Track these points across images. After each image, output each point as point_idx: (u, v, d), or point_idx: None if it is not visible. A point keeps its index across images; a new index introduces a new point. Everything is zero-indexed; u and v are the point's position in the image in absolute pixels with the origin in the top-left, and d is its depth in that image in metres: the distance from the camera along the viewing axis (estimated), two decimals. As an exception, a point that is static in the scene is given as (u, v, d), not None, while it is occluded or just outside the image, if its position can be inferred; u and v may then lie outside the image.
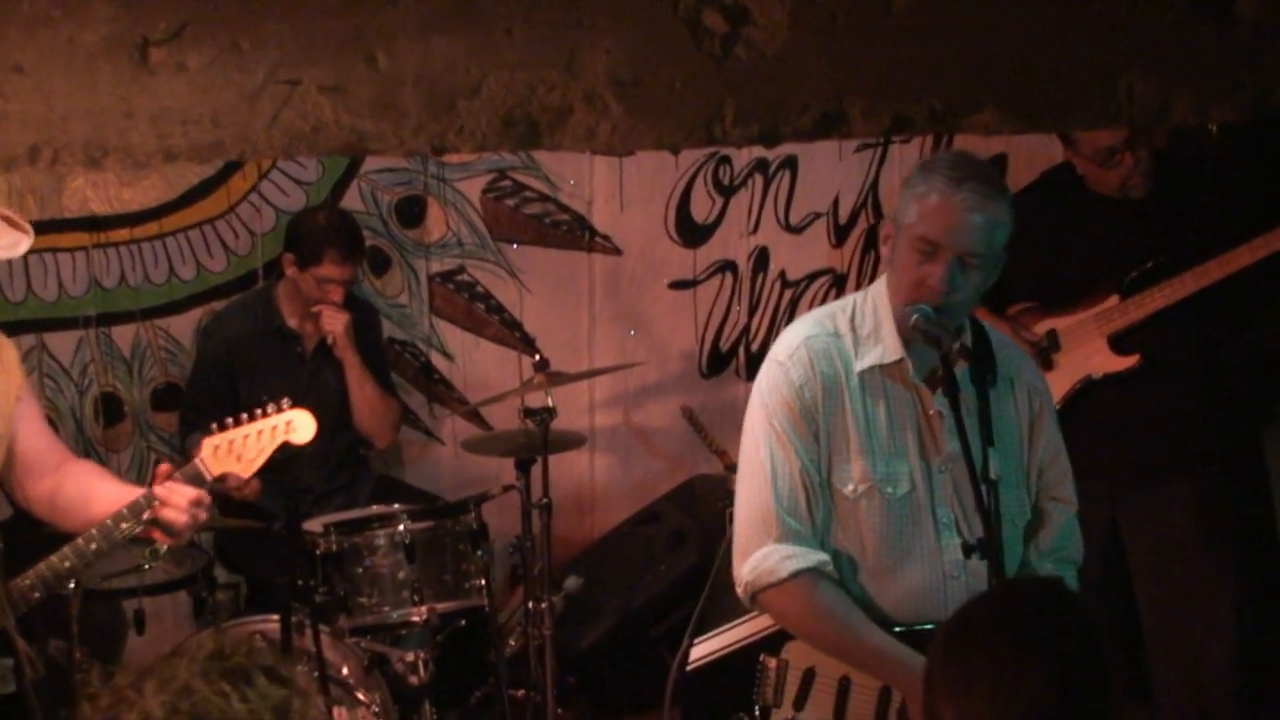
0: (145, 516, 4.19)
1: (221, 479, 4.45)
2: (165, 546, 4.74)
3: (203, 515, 4.28)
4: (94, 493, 4.30)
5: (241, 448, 4.45)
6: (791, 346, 3.85)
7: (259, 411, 4.53)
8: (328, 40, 2.39)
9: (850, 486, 3.78)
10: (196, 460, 4.38)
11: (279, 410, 4.54)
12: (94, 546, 4.20)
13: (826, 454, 3.79)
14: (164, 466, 4.35)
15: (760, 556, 3.78)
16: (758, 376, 3.91)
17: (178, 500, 4.20)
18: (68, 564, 4.21)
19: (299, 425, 4.55)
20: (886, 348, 3.79)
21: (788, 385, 3.80)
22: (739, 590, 3.86)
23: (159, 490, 4.21)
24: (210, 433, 4.48)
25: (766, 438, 3.81)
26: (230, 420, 4.51)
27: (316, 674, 4.99)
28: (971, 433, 3.69)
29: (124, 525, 4.19)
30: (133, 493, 4.24)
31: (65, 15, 2.30)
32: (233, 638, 2.33)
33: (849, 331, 3.85)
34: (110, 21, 2.32)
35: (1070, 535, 4.02)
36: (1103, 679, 2.61)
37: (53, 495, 4.33)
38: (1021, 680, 2.55)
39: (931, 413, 3.81)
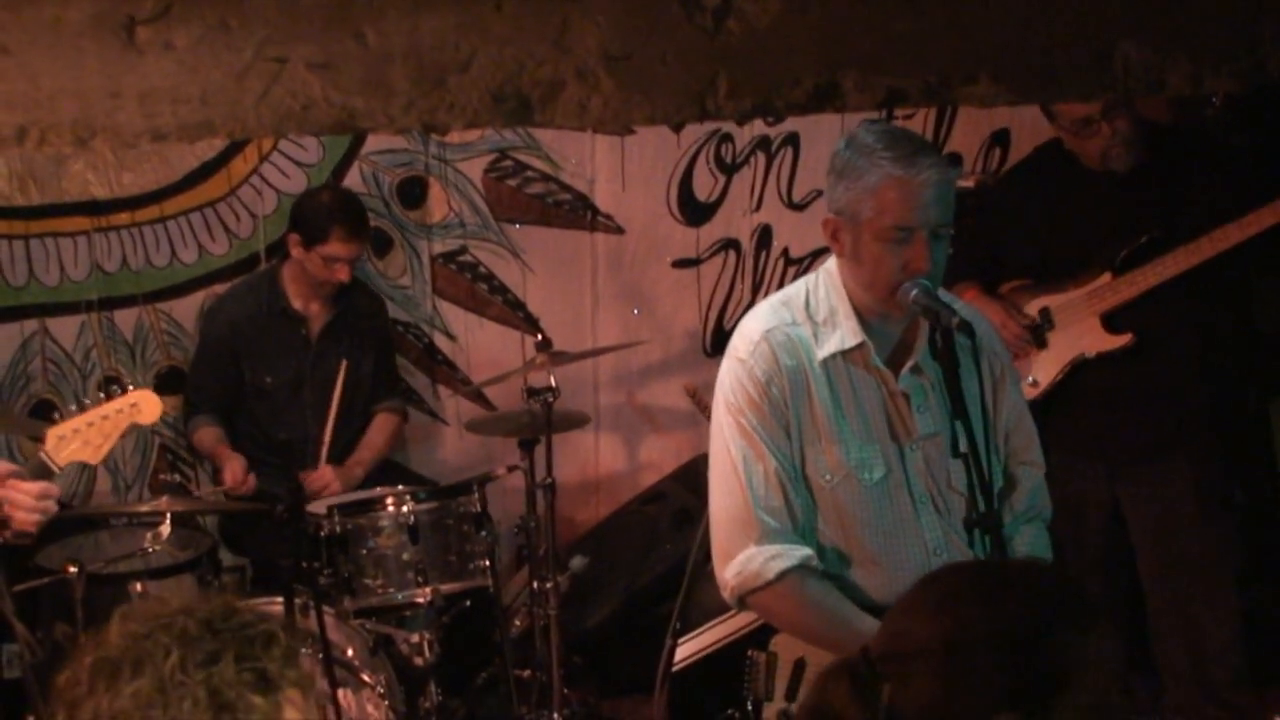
0: None
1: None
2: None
3: (52, 507, 4.32)
4: None
5: (87, 435, 4.50)
6: (752, 341, 3.77)
7: (102, 396, 4.60)
8: (315, 17, 2.37)
9: (826, 476, 3.73)
10: (41, 453, 4.42)
11: (123, 393, 4.60)
12: None
13: (799, 447, 3.74)
14: (3, 466, 4.37)
15: (744, 560, 3.73)
16: (719, 375, 3.85)
17: (22, 499, 4.24)
18: None
19: (144, 406, 4.63)
20: (845, 333, 3.73)
21: (752, 382, 3.73)
22: (725, 594, 3.80)
23: (2, 493, 4.24)
24: (54, 423, 4.53)
25: (735, 438, 3.75)
26: (74, 408, 4.57)
27: (321, 655, 4.99)
28: (940, 408, 3.69)
29: None
30: None
31: (50, -6, 2.29)
32: (252, 623, 2.29)
33: (806, 319, 3.78)
34: (96, 1, 2.30)
35: (1039, 494, 3.97)
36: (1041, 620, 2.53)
37: None
38: (969, 630, 2.46)
39: (896, 394, 3.76)
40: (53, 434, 4.45)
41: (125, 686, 2.18)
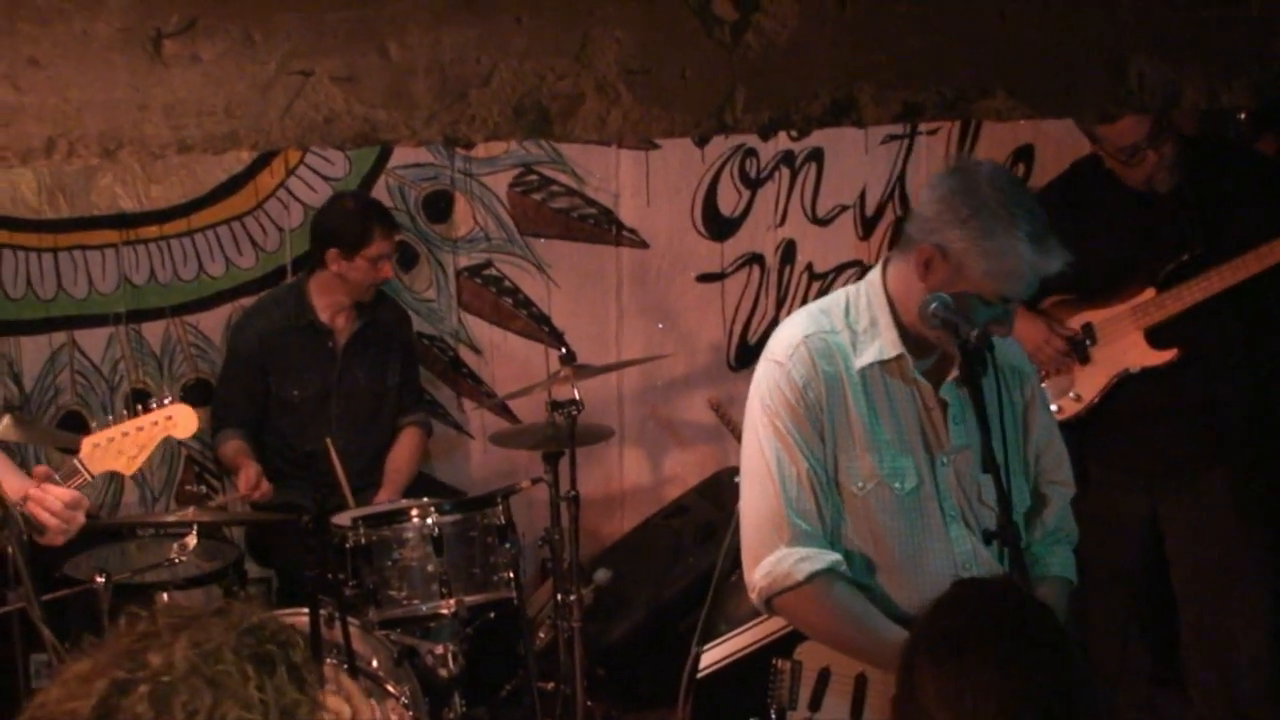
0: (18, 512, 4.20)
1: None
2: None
3: (79, 519, 4.31)
4: None
5: (122, 445, 4.51)
6: (791, 345, 3.78)
7: (140, 408, 4.60)
8: (339, 31, 2.41)
9: (859, 484, 3.75)
10: (75, 460, 4.42)
11: (160, 406, 4.61)
12: None
13: (832, 452, 3.75)
14: (41, 469, 4.38)
15: (773, 561, 3.74)
16: (755, 377, 3.85)
17: (50, 502, 4.23)
18: None
19: (180, 420, 4.64)
20: (885, 343, 3.75)
21: (789, 385, 3.74)
22: (752, 595, 3.81)
23: (32, 491, 4.23)
24: (90, 432, 4.54)
25: (770, 440, 3.76)
26: (110, 419, 4.59)
27: (346, 666, 5.02)
28: (971, 423, 3.70)
29: None
30: (22, 489, 4.26)
31: (78, 8, 2.32)
32: (275, 625, 2.31)
33: (845, 328, 3.80)
34: (123, 14, 2.34)
35: (1067, 515, 4.00)
36: (1078, 676, 2.74)
37: None
38: (1029, 695, 2.65)
39: (932, 406, 3.78)
40: (88, 442, 4.46)
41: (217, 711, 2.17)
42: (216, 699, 2.16)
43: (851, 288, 3.89)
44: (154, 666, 2.17)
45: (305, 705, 2.23)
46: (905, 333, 3.76)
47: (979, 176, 3.62)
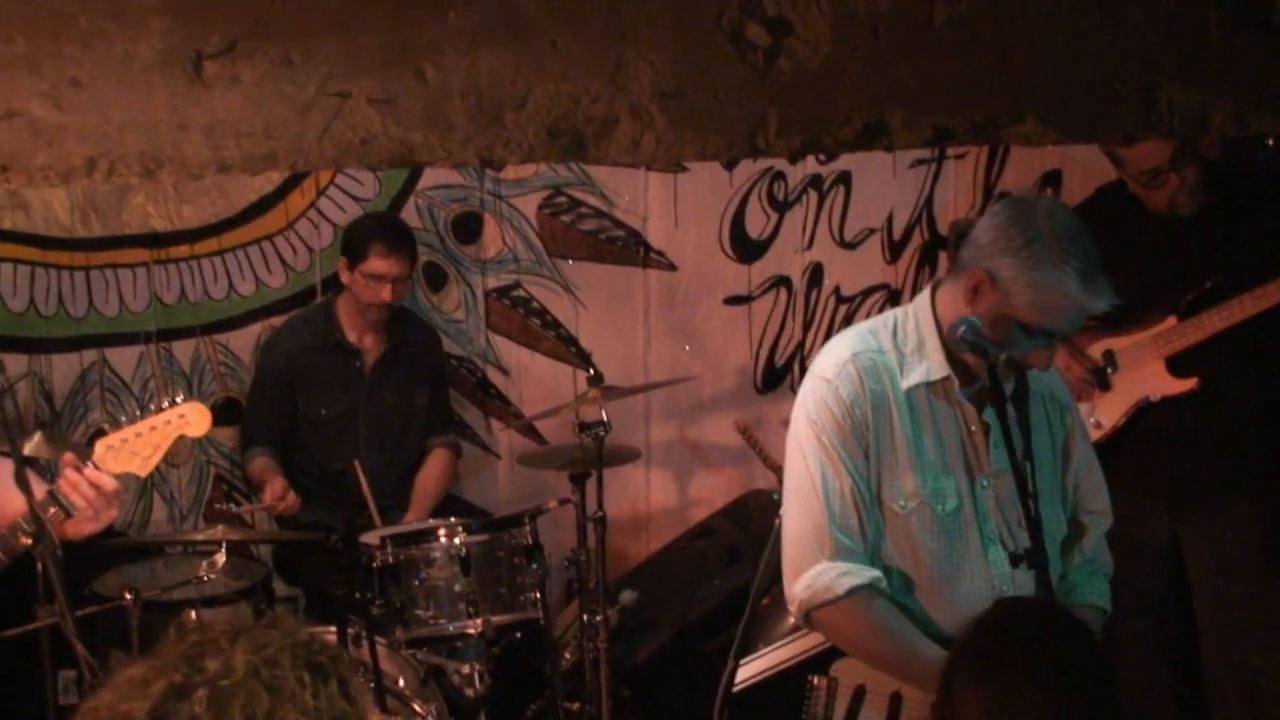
0: (48, 514, 4.11)
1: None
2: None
3: (111, 512, 4.24)
4: (4, 493, 4.15)
5: (135, 445, 4.39)
6: (839, 363, 3.82)
7: (152, 407, 4.49)
8: (377, 54, 2.43)
9: (901, 502, 3.77)
10: (91, 462, 4.30)
11: (173, 404, 4.48)
12: None
13: (876, 470, 3.78)
14: (69, 456, 4.28)
15: (814, 574, 3.76)
16: (801, 393, 3.88)
17: (84, 487, 4.16)
18: None
19: (193, 418, 4.50)
20: (932, 365, 3.78)
21: (837, 402, 3.77)
22: (791, 608, 3.84)
23: (68, 472, 4.16)
24: (104, 433, 4.41)
25: (816, 455, 3.78)
26: (124, 419, 4.49)
27: (373, 685, 5.03)
28: (1015, 446, 3.72)
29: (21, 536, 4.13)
30: (43, 492, 4.14)
31: (120, 29, 2.35)
32: (323, 640, 2.34)
33: (892, 348, 3.83)
34: (164, 35, 2.37)
35: (1103, 546, 4.04)
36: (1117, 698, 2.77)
37: None
38: (1070, 716, 2.67)
39: (975, 429, 3.80)
40: (101, 444, 4.36)
41: (275, 716, 2.19)
42: (274, 704, 2.18)
43: (899, 310, 3.93)
44: (212, 671, 2.20)
45: (353, 718, 2.26)
46: (952, 355, 3.79)
47: (1037, 209, 3.68)
